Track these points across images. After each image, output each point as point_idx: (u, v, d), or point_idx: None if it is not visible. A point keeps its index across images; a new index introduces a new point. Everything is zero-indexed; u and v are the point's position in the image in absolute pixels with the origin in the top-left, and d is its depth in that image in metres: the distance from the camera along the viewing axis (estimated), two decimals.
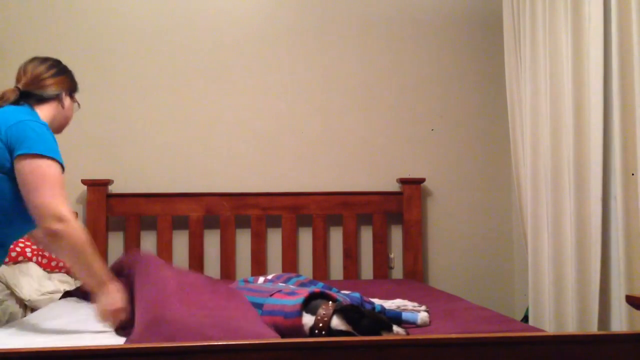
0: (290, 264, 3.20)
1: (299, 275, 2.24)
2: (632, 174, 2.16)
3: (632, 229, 2.16)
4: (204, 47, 3.32)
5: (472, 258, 3.39)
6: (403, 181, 3.29)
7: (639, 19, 2.09)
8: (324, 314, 1.50)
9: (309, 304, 1.57)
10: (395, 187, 3.35)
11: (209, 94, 3.31)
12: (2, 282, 2.59)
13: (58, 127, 1.93)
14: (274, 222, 3.25)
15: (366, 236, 3.31)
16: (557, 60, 2.60)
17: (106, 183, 3.12)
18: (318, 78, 3.37)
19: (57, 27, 3.25)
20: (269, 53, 3.35)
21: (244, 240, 3.22)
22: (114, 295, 1.71)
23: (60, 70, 1.94)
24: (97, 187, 3.11)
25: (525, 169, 2.84)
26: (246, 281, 2.15)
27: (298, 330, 1.52)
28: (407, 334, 1.53)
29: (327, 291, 1.72)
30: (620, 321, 2.22)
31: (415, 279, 3.18)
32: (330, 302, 1.58)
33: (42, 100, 1.86)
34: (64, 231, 1.62)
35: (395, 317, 1.84)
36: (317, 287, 1.90)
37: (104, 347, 1.06)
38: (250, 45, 3.34)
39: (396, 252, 3.33)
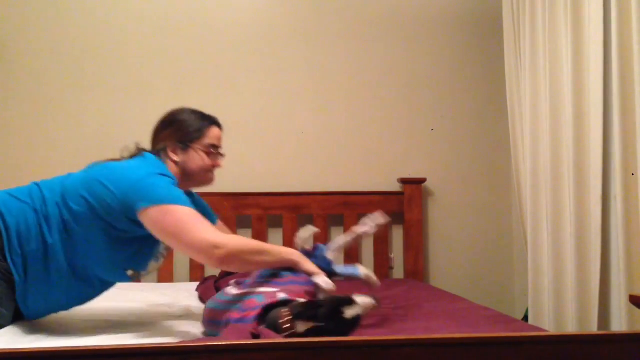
0: None
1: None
2: (632, 174, 2.16)
3: (632, 229, 2.16)
4: (204, 47, 3.32)
5: (472, 258, 3.40)
6: (404, 181, 3.29)
7: (639, 19, 2.09)
8: (287, 327, 1.42)
9: (266, 318, 1.51)
10: (396, 187, 3.35)
11: (209, 94, 3.31)
12: None
13: (196, 181, 1.97)
14: (275, 222, 3.25)
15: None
16: (557, 60, 2.60)
17: None
18: (318, 78, 3.37)
19: (58, 27, 3.25)
20: (268, 53, 3.35)
21: None
22: (306, 264, 1.79)
23: (165, 123, 1.99)
24: None
25: (525, 169, 2.84)
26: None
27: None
28: (376, 300, 1.50)
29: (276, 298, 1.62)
30: (620, 321, 2.23)
31: (416, 279, 3.18)
32: (282, 310, 1.48)
33: (159, 155, 1.93)
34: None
35: (352, 275, 1.84)
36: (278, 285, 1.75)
37: (104, 347, 1.06)
38: (251, 45, 3.34)
39: (397, 252, 3.34)
